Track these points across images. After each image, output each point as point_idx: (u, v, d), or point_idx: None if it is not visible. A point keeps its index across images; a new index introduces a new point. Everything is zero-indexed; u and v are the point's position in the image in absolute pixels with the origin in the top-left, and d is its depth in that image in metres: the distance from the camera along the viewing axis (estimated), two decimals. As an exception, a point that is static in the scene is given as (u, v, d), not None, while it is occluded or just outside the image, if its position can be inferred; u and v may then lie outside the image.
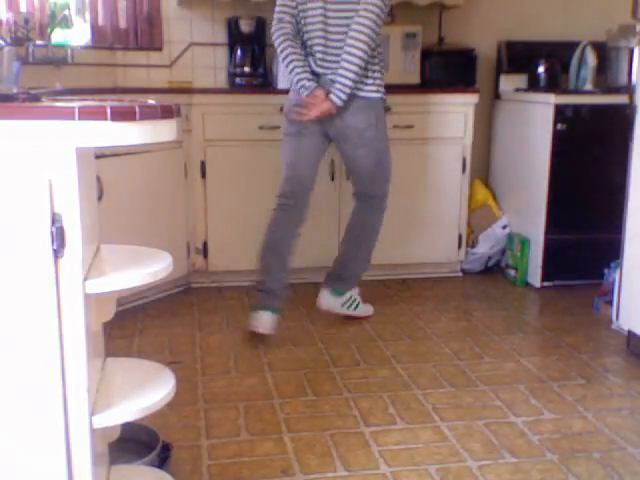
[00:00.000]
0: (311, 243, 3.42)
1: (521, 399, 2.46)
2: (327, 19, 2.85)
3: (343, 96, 2.83)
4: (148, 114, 1.30)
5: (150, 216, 3.31)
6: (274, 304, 2.97)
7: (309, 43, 2.91)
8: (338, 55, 2.84)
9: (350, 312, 3.21)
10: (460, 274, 3.94)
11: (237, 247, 3.58)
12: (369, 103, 2.92)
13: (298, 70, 2.87)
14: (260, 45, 3.83)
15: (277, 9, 2.90)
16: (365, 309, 3.26)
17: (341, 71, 2.82)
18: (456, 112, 3.71)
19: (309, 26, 2.88)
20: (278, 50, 2.90)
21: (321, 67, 2.90)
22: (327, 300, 3.18)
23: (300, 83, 2.87)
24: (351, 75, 2.81)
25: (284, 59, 2.89)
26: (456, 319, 3.29)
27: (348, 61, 2.80)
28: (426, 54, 3.81)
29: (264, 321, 2.94)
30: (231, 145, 3.56)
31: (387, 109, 3.54)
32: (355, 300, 3.22)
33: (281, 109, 3.12)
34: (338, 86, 2.82)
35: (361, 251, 3.17)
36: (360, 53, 2.79)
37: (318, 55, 2.89)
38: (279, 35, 2.89)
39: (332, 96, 2.83)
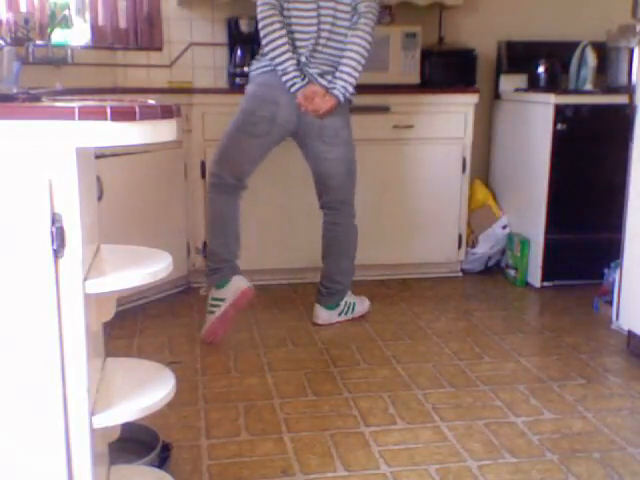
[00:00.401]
0: (311, 243, 3.41)
1: (521, 399, 2.46)
2: (321, 17, 2.82)
3: (347, 94, 2.84)
4: (148, 114, 1.30)
5: (150, 216, 3.31)
6: (239, 271, 2.98)
7: (295, 37, 2.82)
8: (328, 53, 2.83)
9: (349, 317, 3.21)
10: (460, 274, 3.94)
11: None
12: (343, 102, 2.91)
13: (292, 62, 2.80)
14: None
15: None
16: (362, 308, 3.26)
17: (347, 69, 2.82)
18: (456, 112, 3.71)
19: (297, 19, 2.81)
20: (271, 36, 2.78)
21: (308, 61, 2.85)
22: (323, 315, 3.16)
23: (292, 75, 2.81)
24: (356, 74, 2.83)
25: (276, 47, 2.78)
26: (456, 319, 3.29)
27: (355, 59, 2.81)
28: (426, 54, 3.81)
29: (242, 282, 2.92)
30: (231, 145, 3.55)
31: (386, 109, 3.58)
32: (350, 304, 3.21)
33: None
34: (343, 83, 2.83)
35: (345, 262, 3.14)
36: (365, 52, 2.82)
37: (304, 50, 2.83)
38: (275, 21, 2.78)
39: (337, 92, 2.83)
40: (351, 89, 2.85)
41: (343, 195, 3.06)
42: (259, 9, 2.81)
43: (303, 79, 2.82)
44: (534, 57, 3.96)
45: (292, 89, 2.83)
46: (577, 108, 3.54)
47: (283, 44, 2.79)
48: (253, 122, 2.89)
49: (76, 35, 3.75)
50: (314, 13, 2.82)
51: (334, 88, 2.84)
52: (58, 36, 3.65)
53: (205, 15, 3.92)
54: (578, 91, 3.84)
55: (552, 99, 3.52)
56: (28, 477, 1.38)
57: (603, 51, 3.78)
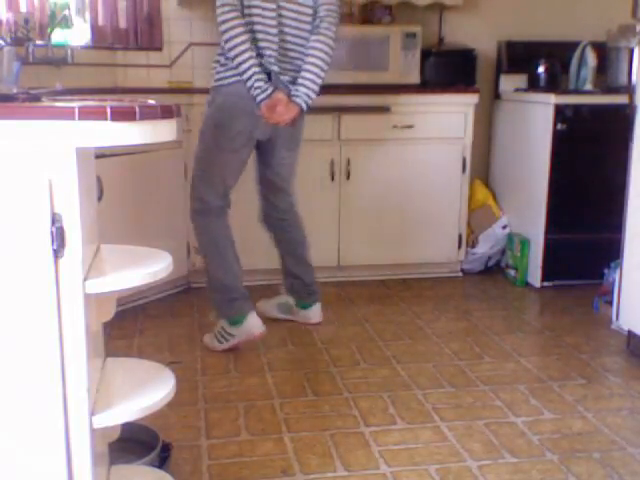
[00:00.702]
0: (311, 244, 3.41)
1: (521, 399, 2.46)
2: (282, 18, 2.72)
3: (310, 101, 2.77)
4: (148, 114, 1.30)
5: (150, 216, 3.31)
6: (251, 305, 2.92)
7: (259, 37, 2.69)
8: (294, 57, 2.76)
9: None
10: (460, 274, 3.94)
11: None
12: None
13: (256, 69, 2.66)
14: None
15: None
16: None
17: (310, 75, 2.74)
18: (456, 112, 3.71)
19: (258, 18, 2.68)
20: (233, 41, 2.63)
21: (276, 66, 2.74)
22: (320, 311, 3.18)
23: (257, 84, 2.66)
24: (319, 80, 2.76)
25: (239, 54, 2.64)
26: (456, 319, 3.29)
27: (318, 65, 2.74)
28: (426, 54, 3.81)
29: (256, 325, 2.85)
30: (231, 145, 3.55)
31: (386, 109, 3.58)
32: None
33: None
34: (305, 90, 2.75)
35: (309, 255, 3.14)
36: (327, 58, 2.76)
37: (270, 54, 2.71)
38: (237, 24, 2.62)
39: (299, 101, 2.75)
40: (314, 96, 2.77)
41: (291, 195, 3.04)
42: (219, 10, 2.64)
43: (265, 90, 2.68)
44: (534, 57, 3.96)
45: (257, 99, 2.69)
46: (577, 108, 3.54)
47: (246, 50, 2.64)
48: (231, 137, 2.77)
49: (76, 35, 3.75)
50: (273, 14, 2.70)
51: (297, 96, 2.74)
52: (58, 36, 3.65)
53: (205, 15, 3.92)
54: (578, 91, 3.84)
55: (552, 99, 3.52)
56: (28, 477, 1.38)
57: (603, 51, 3.78)
